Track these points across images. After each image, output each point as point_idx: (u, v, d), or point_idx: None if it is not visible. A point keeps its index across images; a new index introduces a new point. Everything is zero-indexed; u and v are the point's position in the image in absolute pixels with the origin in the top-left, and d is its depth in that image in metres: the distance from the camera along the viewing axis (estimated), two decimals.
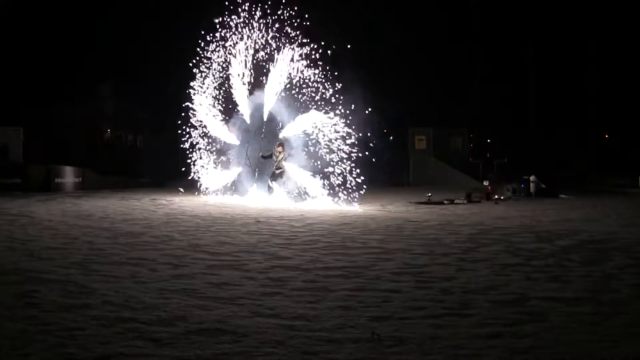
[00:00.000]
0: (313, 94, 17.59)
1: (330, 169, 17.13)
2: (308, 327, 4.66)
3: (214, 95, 19.24)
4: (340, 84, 17.55)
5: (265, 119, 18.60)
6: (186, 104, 19.31)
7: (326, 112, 17.33)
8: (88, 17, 30.63)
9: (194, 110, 19.26)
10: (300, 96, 17.86)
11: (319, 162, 17.43)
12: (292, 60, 18.03)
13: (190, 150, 19.38)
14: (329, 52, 18.19)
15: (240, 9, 18.60)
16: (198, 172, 19.23)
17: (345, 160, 17.11)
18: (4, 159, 22.48)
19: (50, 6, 30.37)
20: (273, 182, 17.56)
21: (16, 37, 29.70)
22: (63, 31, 30.10)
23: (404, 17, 32.22)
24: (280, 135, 18.16)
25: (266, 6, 18.50)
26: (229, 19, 18.72)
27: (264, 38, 18.48)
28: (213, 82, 19.20)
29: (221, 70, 19.14)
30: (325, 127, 17.32)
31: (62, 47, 30.10)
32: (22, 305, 5.24)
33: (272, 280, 6.42)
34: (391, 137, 31.01)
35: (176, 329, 4.55)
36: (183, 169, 19.71)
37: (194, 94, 19.23)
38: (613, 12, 33.62)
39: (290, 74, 18.12)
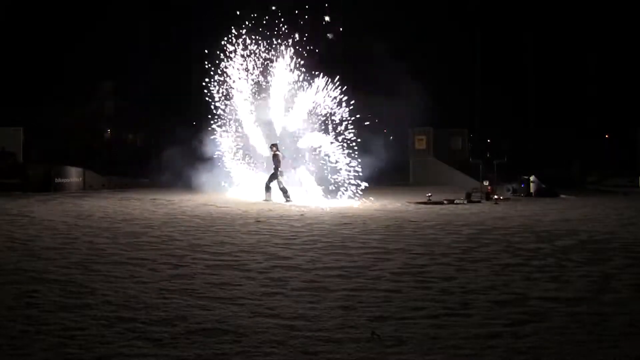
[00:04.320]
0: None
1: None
2: (308, 327, 4.66)
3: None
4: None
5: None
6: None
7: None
8: (88, 17, 30.64)
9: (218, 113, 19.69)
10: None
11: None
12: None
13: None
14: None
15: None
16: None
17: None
18: (7, 160, 22.45)
19: (50, 6, 30.38)
20: (270, 182, 17.66)
21: (17, 37, 29.72)
22: (63, 31, 30.12)
23: (404, 17, 32.25)
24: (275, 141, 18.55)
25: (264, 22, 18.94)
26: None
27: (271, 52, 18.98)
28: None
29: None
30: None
31: (62, 47, 30.12)
32: (22, 305, 5.23)
33: (272, 280, 6.41)
34: (391, 137, 31.05)
35: (176, 329, 4.55)
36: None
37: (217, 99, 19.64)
38: (613, 12, 33.62)
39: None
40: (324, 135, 18.45)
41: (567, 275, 6.80)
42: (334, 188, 17.81)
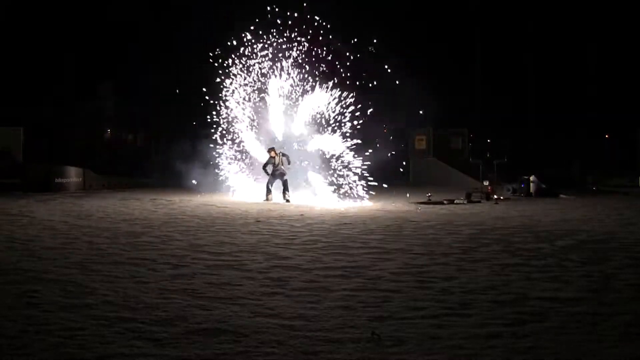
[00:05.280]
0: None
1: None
2: (308, 327, 4.66)
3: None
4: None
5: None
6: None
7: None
8: (88, 17, 30.63)
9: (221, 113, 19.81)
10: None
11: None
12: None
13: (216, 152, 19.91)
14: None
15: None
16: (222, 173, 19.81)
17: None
18: (5, 160, 22.46)
19: (50, 6, 30.37)
20: (271, 184, 17.80)
21: (17, 37, 29.70)
22: (63, 31, 30.11)
23: (404, 17, 32.23)
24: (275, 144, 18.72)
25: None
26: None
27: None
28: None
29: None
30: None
31: (62, 47, 30.11)
32: (22, 305, 5.23)
33: (272, 280, 6.41)
34: (391, 137, 31.02)
35: (176, 329, 4.55)
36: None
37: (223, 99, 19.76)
38: (613, 12, 33.62)
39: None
40: (331, 136, 18.62)
41: (567, 275, 6.80)
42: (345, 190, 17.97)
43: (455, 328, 4.66)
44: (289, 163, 17.96)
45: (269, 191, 17.74)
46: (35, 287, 5.85)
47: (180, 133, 23.66)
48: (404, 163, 19.10)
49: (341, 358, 4.01)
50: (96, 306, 5.21)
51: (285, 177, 17.73)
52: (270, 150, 18.11)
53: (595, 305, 5.41)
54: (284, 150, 18.41)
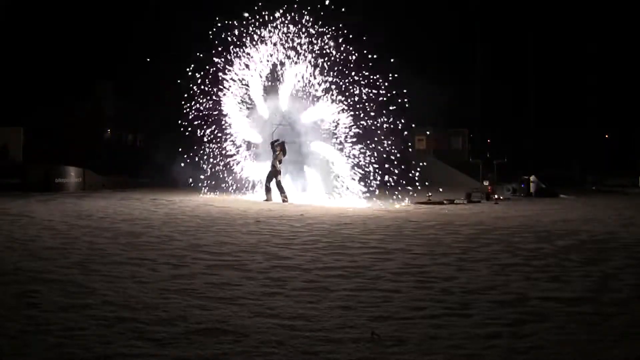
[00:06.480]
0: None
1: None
2: (308, 327, 4.66)
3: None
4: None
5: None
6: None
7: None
8: (88, 17, 30.64)
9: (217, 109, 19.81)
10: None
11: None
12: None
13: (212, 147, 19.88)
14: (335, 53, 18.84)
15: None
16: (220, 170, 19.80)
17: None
18: (4, 159, 22.50)
19: (50, 6, 30.38)
20: (269, 183, 17.76)
21: (17, 37, 29.71)
22: (63, 31, 30.12)
23: (405, 16, 32.24)
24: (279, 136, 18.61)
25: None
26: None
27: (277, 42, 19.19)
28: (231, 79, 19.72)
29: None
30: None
31: (62, 47, 30.13)
32: (22, 305, 5.23)
33: (272, 280, 6.41)
34: (392, 137, 31.01)
35: (176, 329, 4.55)
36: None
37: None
38: (613, 12, 33.64)
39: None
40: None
41: (567, 275, 6.79)
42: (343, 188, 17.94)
43: (455, 328, 4.66)
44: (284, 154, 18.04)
45: (268, 191, 17.73)
46: (35, 287, 5.85)
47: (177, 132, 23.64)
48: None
49: (341, 358, 4.01)
50: (96, 306, 5.20)
51: (279, 178, 17.68)
52: (280, 145, 18.00)
53: (595, 305, 5.40)
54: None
